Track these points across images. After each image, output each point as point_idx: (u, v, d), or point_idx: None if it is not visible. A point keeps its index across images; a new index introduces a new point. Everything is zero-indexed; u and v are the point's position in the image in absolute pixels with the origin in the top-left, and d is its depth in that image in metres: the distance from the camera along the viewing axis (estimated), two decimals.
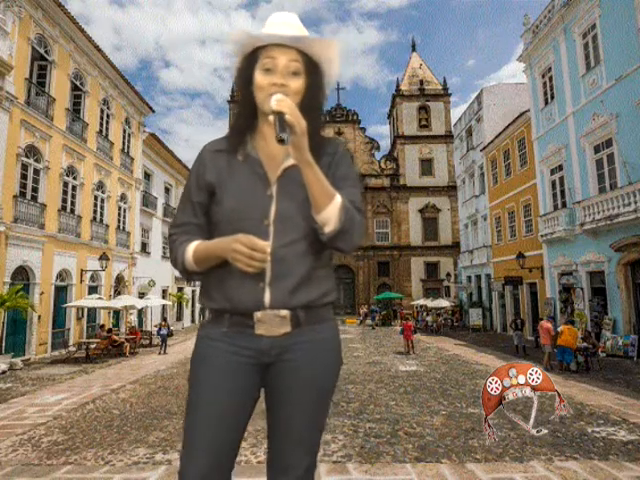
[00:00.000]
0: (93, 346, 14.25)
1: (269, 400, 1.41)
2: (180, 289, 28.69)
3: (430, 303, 28.75)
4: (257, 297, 1.29)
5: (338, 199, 1.25)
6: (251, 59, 1.34)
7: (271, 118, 1.21)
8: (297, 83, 1.32)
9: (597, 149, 15.09)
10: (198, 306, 33.34)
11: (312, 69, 1.35)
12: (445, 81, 42.83)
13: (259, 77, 1.32)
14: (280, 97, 1.21)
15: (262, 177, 1.35)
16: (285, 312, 1.31)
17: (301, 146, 1.19)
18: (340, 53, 1.38)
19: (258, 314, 1.30)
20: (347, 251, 1.33)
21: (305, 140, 1.19)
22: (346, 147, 1.51)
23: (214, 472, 1.29)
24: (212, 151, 1.43)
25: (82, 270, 16.78)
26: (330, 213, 1.23)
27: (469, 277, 29.41)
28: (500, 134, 23.19)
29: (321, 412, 1.39)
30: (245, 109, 1.39)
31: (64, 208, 15.87)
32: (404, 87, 42.84)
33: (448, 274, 34.96)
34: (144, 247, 23.69)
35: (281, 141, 1.17)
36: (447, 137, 40.25)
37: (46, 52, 14.99)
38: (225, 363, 1.33)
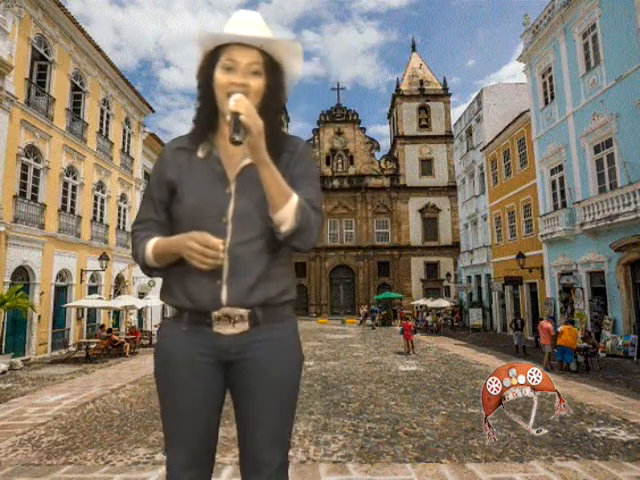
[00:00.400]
0: (93, 346, 14.24)
1: (235, 399, 1.42)
2: None
3: (430, 303, 28.75)
4: (215, 295, 1.30)
5: (294, 199, 1.26)
6: (212, 58, 1.34)
7: (228, 118, 1.22)
8: (257, 83, 1.32)
9: (597, 149, 15.09)
10: None
11: (273, 69, 1.35)
12: (445, 81, 42.86)
13: (219, 76, 1.32)
14: (238, 97, 1.22)
15: (221, 175, 1.36)
16: (243, 311, 1.32)
17: (257, 146, 1.20)
18: (301, 54, 1.40)
19: (216, 313, 1.31)
20: (303, 250, 1.34)
21: (262, 140, 1.20)
22: (307, 146, 1.51)
23: (196, 463, 1.36)
24: (173, 149, 1.44)
25: (82, 270, 16.77)
26: (286, 212, 1.24)
27: (469, 277, 29.41)
28: (500, 134, 23.19)
29: (286, 409, 1.40)
30: (206, 107, 1.39)
31: (64, 208, 15.87)
32: (404, 87, 42.84)
33: (448, 274, 34.97)
34: None
35: (235, 142, 1.18)
36: (447, 137, 40.25)
37: (46, 52, 14.99)
38: (187, 361, 1.35)
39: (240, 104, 1.19)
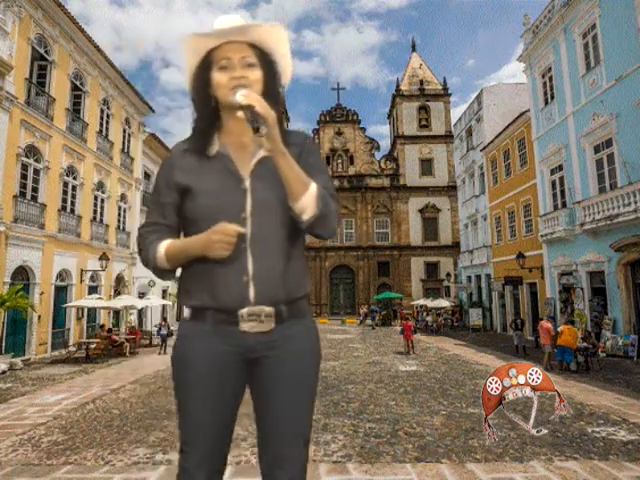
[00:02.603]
0: (93, 346, 14.24)
1: (257, 396, 1.42)
2: None
3: (430, 303, 28.74)
4: (242, 293, 1.30)
5: (313, 186, 1.28)
6: (205, 61, 1.36)
7: (240, 114, 1.23)
8: (254, 74, 1.35)
9: (597, 149, 15.09)
10: None
11: (265, 59, 1.38)
12: (445, 81, 42.86)
13: (217, 76, 1.34)
14: (245, 92, 1.23)
15: (234, 172, 1.36)
16: (269, 309, 1.32)
17: (274, 136, 1.21)
18: (285, 36, 1.42)
19: (243, 311, 1.31)
20: (326, 236, 1.37)
21: (277, 130, 1.22)
22: (312, 139, 1.53)
23: (211, 461, 1.36)
24: (181, 151, 1.44)
25: (82, 270, 16.77)
26: (307, 200, 1.26)
27: (469, 277, 29.41)
28: (500, 134, 23.19)
29: (309, 404, 1.42)
30: (205, 110, 1.40)
31: (64, 208, 15.87)
32: (404, 87, 42.83)
33: (448, 274, 34.96)
34: None
35: (258, 130, 1.19)
36: (447, 137, 40.24)
37: (46, 52, 14.99)
38: (210, 361, 1.34)
39: (250, 97, 1.21)
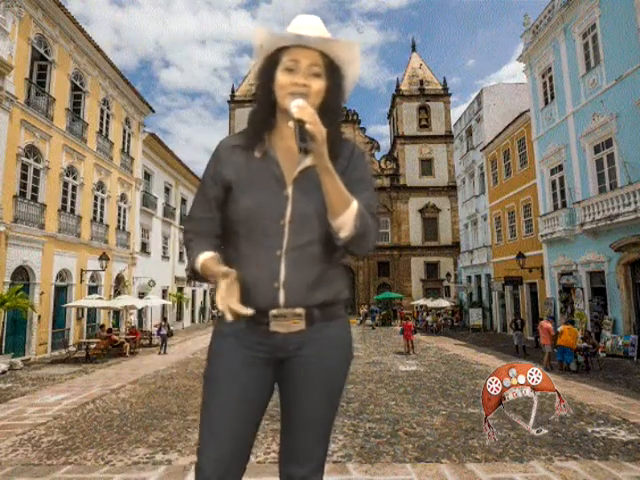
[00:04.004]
0: (93, 346, 14.24)
1: (284, 395, 1.44)
2: (180, 289, 28.68)
3: (430, 303, 28.74)
4: (272, 296, 1.31)
5: (354, 205, 1.27)
6: (273, 58, 1.35)
7: (291, 124, 1.21)
8: (318, 84, 1.33)
9: (597, 149, 15.09)
10: (198, 306, 33.36)
11: (333, 71, 1.36)
12: (445, 81, 42.84)
13: (281, 76, 1.32)
14: (301, 104, 1.21)
15: (279, 177, 1.36)
16: (300, 310, 1.33)
17: (321, 154, 1.20)
18: (360, 55, 1.40)
19: (273, 311, 1.32)
20: (361, 254, 1.40)
21: (325, 148, 1.20)
22: (361, 149, 1.52)
23: (230, 463, 1.34)
24: (229, 146, 1.43)
25: (82, 270, 16.77)
26: (346, 219, 1.26)
27: (469, 277, 29.41)
28: (500, 134, 23.19)
29: (334, 406, 1.44)
30: (263, 106, 1.40)
31: (64, 208, 15.87)
32: (404, 87, 42.83)
33: (448, 274, 34.95)
34: (144, 247, 23.67)
35: (305, 151, 1.19)
36: (447, 137, 40.23)
37: (46, 52, 14.99)
38: (240, 358, 1.36)
39: (304, 112, 1.19)
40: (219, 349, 1.41)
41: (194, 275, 1.40)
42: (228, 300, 1.21)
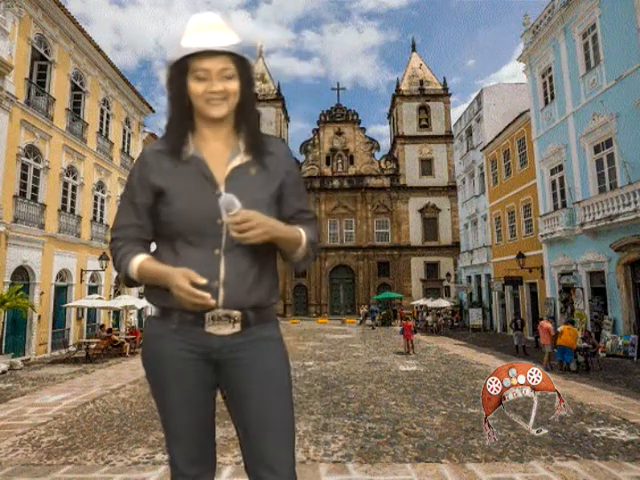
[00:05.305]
0: (93, 346, 14.24)
1: (232, 400, 1.42)
2: None
3: (430, 303, 28.72)
4: (212, 296, 1.28)
5: (304, 239, 1.37)
6: (181, 66, 1.30)
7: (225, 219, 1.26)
8: (233, 85, 1.32)
9: (597, 149, 15.09)
10: None
11: (243, 69, 1.35)
12: (445, 81, 42.85)
13: (194, 85, 1.30)
14: (237, 216, 1.21)
15: (209, 177, 1.35)
16: (236, 313, 1.34)
17: (271, 234, 1.27)
18: (261, 49, 1.42)
19: (210, 313, 1.32)
20: (304, 268, 1.51)
21: (270, 228, 1.26)
22: (285, 144, 1.55)
23: (197, 459, 1.41)
24: (155, 152, 1.41)
25: (82, 270, 16.78)
26: (300, 251, 1.38)
27: (469, 277, 29.41)
28: (500, 134, 23.19)
29: (286, 406, 1.41)
30: (180, 112, 1.37)
31: (64, 208, 15.87)
32: (404, 87, 42.83)
33: (448, 274, 34.94)
34: None
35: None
36: (447, 137, 40.24)
37: (46, 52, 14.99)
38: (176, 359, 1.36)
39: (244, 234, 1.22)
40: (155, 353, 1.39)
41: (127, 280, 1.37)
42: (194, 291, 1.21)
